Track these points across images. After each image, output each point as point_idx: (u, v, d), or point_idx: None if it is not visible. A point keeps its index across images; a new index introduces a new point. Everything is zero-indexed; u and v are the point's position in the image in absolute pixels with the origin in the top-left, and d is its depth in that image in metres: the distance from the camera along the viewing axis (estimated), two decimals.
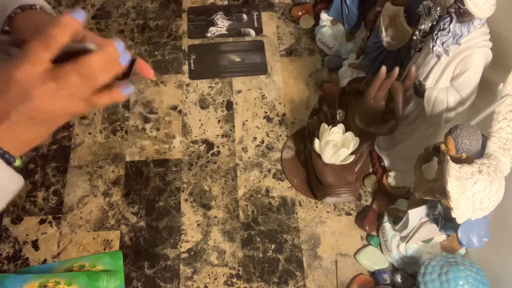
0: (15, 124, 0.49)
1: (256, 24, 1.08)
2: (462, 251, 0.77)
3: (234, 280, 0.79)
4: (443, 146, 0.59)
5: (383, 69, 0.71)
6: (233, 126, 0.94)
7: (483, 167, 0.56)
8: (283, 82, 1.00)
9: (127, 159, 0.90)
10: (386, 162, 0.87)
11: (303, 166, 0.89)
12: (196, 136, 0.93)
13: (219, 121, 0.95)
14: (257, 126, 0.94)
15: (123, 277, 0.78)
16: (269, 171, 0.89)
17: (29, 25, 0.55)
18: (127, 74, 0.52)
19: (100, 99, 0.51)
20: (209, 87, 0.99)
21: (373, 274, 0.80)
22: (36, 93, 0.47)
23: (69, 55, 0.46)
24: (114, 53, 0.48)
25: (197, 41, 1.05)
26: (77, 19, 0.46)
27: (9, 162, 0.50)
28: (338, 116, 0.84)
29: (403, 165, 0.84)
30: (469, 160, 0.58)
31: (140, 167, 0.89)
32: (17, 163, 0.52)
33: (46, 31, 0.46)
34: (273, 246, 0.82)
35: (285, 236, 0.83)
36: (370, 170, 0.90)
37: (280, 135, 0.93)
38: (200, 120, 0.95)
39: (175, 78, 1.00)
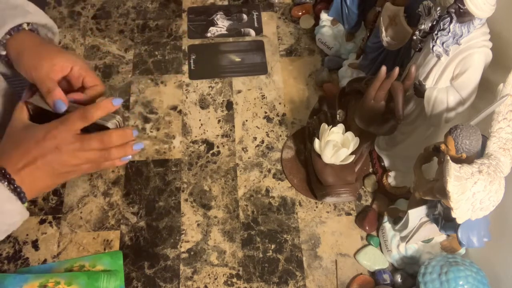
0: (37, 170, 0.60)
1: (256, 24, 1.08)
2: (462, 251, 0.77)
3: (234, 280, 0.79)
4: (443, 146, 0.59)
5: (383, 69, 0.71)
6: (233, 126, 0.94)
7: (483, 167, 0.56)
8: (283, 82, 1.00)
9: None
10: (386, 162, 0.87)
11: (303, 166, 0.89)
12: (196, 136, 0.93)
13: (219, 121, 0.95)
14: (257, 126, 0.94)
15: (123, 277, 0.78)
16: (269, 171, 0.89)
17: (20, 50, 0.65)
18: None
19: (108, 163, 0.64)
20: (209, 87, 0.99)
21: (373, 274, 0.80)
22: (64, 149, 0.59)
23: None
24: (130, 136, 0.64)
25: (197, 41, 1.05)
26: (114, 104, 0.62)
27: (21, 201, 0.60)
28: (338, 116, 0.84)
29: (403, 165, 0.84)
30: (469, 160, 0.58)
31: (140, 167, 0.89)
32: (25, 205, 0.61)
33: (87, 109, 0.60)
34: (273, 246, 0.82)
35: (285, 236, 0.83)
36: (370, 170, 0.90)
37: (280, 135, 0.93)
38: (200, 120, 0.95)
39: (175, 78, 1.00)
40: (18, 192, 0.59)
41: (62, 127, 0.59)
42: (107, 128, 0.62)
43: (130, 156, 0.66)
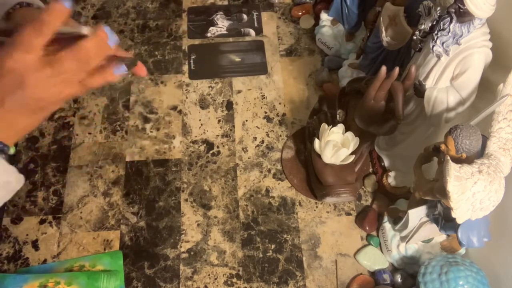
0: (8, 112, 0.48)
1: (256, 24, 1.08)
2: (462, 251, 0.77)
3: (234, 280, 0.79)
4: (443, 146, 0.59)
5: (383, 69, 0.71)
6: (233, 126, 0.94)
7: (483, 167, 0.56)
8: (283, 82, 1.00)
9: (127, 159, 0.90)
10: (386, 162, 0.87)
11: (303, 166, 0.89)
12: (196, 136, 0.93)
13: (219, 121, 0.95)
14: (257, 126, 0.94)
15: (123, 277, 0.78)
16: (269, 171, 0.89)
17: (26, 19, 0.54)
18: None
19: (94, 80, 0.50)
20: (209, 87, 0.99)
21: (373, 274, 0.80)
22: (31, 80, 0.46)
23: (59, 42, 0.46)
24: (105, 37, 0.48)
25: (197, 41, 1.05)
26: (65, 6, 0.46)
27: (3, 151, 0.50)
28: (338, 116, 0.84)
29: (403, 165, 0.84)
30: (469, 160, 0.58)
31: (140, 167, 0.89)
32: (11, 150, 0.51)
33: (38, 18, 0.45)
34: (273, 246, 0.82)
35: (285, 236, 0.83)
36: (370, 170, 0.90)
37: (280, 135, 0.93)
38: (200, 120, 0.95)
39: (175, 78, 1.00)
40: None
41: (17, 53, 0.46)
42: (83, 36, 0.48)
43: (124, 67, 0.52)
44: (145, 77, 0.61)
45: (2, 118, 0.48)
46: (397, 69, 0.70)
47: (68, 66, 0.47)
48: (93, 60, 0.48)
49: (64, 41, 0.47)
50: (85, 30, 0.48)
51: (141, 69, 0.55)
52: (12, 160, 0.52)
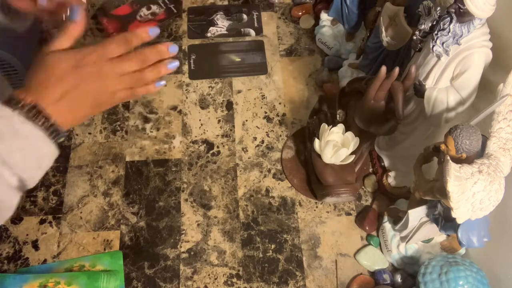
0: (78, 99, 0.57)
1: (256, 24, 1.08)
2: (462, 251, 0.77)
3: (234, 280, 0.79)
4: (443, 146, 0.59)
5: (383, 69, 0.71)
6: (233, 126, 0.94)
7: (483, 167, 0.56)
8: (283, 82, 1.00)
9: (127, 159, 0.90)
10: (386, 162, 0.87)
11: (303, 166, 0.89)
12: (196, 136, 0.93)
13: (219, 121, 0.95)
14: (257, 126, 0.94)
15: (123, 277, 0.78)
16: (269, 171, 0.89)
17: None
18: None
19: (140, 90, 0.63)
20: (209, 87, 0.99)
21: (373, 274, 0.80)
22: (105, 74, 0.57)
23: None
24: (165, 51, 0.64)
25: (197, 41, 1.05)
26: (150, 34, 0.64)
27: (55, 137, 0.56)
28: (338, 116, 0.84)
29: (403, 165, 0.84)
30: (469, 160, 0.58)
31: (140, 167, 0.89)
32: (61, 139, 0.57)
33: (126, 35, 0.60)
34: (273, 246, 0.82)
35: (285, 236, 0.83)
36: (370, 170, 0.90)
37: (280, 135, 0.93)
38: (200, 120, 0.95)
39: (175, 78, 1.00)
40: (53, 130, 0.55)
41: (102, 52, 0.57)
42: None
43: (164, 82, 0.65)
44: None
45: (69, 103, 0.56)
46: (397, 69, 0.70)
47: (132, 66, 0.59)
48: (148, 70, 0.62)
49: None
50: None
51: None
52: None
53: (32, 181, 0.57)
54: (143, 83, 0.62)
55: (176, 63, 0.64)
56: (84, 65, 0.57)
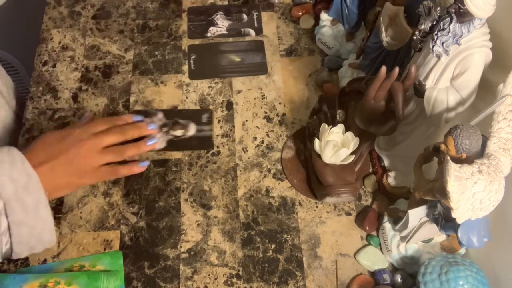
0: (57, 166, 0.63)
1: (256, 24, 1.08)
2: (462, 251, 0.77)
3: (234, 280, 0.79)
4: (443, 146, 0.59)
5: (383, 69, 0.71)
6: (233, 126, 0.94)
7: (483, 167, 0.56)
8: (283, 82, 1.00)
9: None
10: (386, 162, 0.87)
11: (303, 166, 0.89)
12: None
13: (219, 121, 0.95)
14: (257, 126, 0.94)
15: (123, 277, 0.78)
16: (269, 171, 0.89)
17: None
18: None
19: (125, 169, 0.72)
20: (209, 87, 0.99)
21: (373, 274, 0.80)
22: (87, 147, 0.64)
23: None
24: (144, 127, 0.74)
25: (197, 41, 1.05)
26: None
27: None
28: (338, 116, 0.84)
29: (403, 165, 0.84)
30: (469, 160, 0.58)
31: None
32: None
33: (115, 120, 0.72)
34: (273, 246, 0.82)
35: (285, 236, 0.83)
36: (370, 170, 0.90)
37: (280, 135, 0.93)
38: None
39: (175, 78, 1.00)
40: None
41: (84, 127, 0.67)
42: None
43: (147, 162, 0.72)
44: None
45: (50, 169, 0.63)
46: (397, 69, 0.70)
47: (112, 138, 0.67)
48: (130, 146, 0.71)
49: None
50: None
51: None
52: None
53: (16, 256, 0.64)
54: (125, 157, 0.69)
55: (154, 140, 0.72)
56: (67, 136, 0.64)
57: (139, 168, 0.72)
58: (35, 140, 0.66)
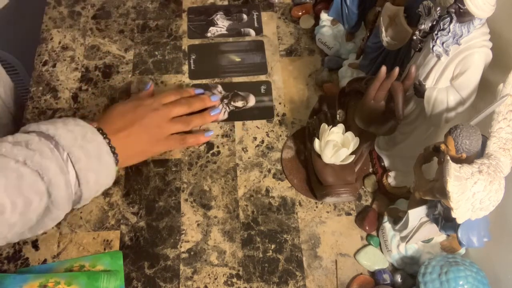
0: (132, 135, 0.68)
1: (256, 24, 1.08)
2: (462, 251, 0.77)
3: (234, 280, 0.79)
4: (443, 146, 0.59)
5: (383, 69, 0.71)
6: (233, 126, 0.94)
7: (483, 167, 0.56)
8: (283, 82, 1.00)
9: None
10: (386, 162, 0.87)
11: (303, 166, 0.89)
12: None
13: (218, 122, 0.95)
14: (257, 126, 0.94)
15: (123, 277, 0.78)
16: (269, 171, 0.89)
17: None
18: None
19: (192, 139, 0.83)
20: None
21: (373, 274, 0.80)
22: (154, 114, 0.71)
23: None
24: (208, 100, 0.86)
25: (197, 41, 1.05)
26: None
27: (115, 161, 0.67)
28: (338, 116, 0.84)
29: (403, 165, 0.84)
30: (469, 160, 0.58)
31: (140, 167, 0.89)
32: (116, 169, 0.70)
33: (182, 92, 0.83)
34: (273, 246, 0.82)
35: (285, 236, 0.83)
36: (370, 170, 0.90)
37: (280, 135, 0.93)
38: None
39: (175, 78, 1.00)
40: (112, 152, 0.65)
41: (155, 98, 0.75)
42: None
43: (212, 132, 0.80)
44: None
45: (125, 137, 0.68)
46: (397, 69, 0.70)
47: (181, 109, 0.78)
48: (195, 117, 0.81)
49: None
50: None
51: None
52: None
53: (84, 202, 0.68)
54: (192, 127, 0.77)
55: (218, 110, 0.80)
56: (140, 106, 0.70)
57: (205, 137, 0.79)
58: (108, 110, 0.69)
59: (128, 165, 0.81)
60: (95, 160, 0.64)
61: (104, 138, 0.65)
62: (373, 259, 0.80)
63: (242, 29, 1.07)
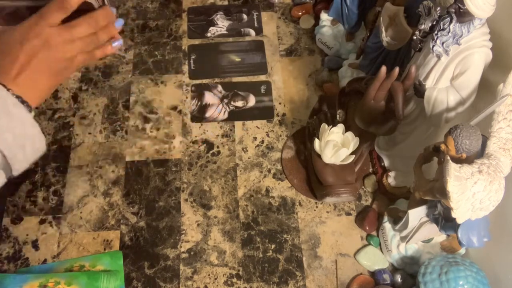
0: (34, 72, 0.58)
1: (256, 24, 1.08)
2: (462, 251, 0.77)
3: (234, 280, 0.79)
4: (443, 146, 0.59)
5: (383, 69, 0.71)
6: (233, 126, 0.94)
7: (483, 167, 0.56)
8: (283, 82, 1.00)
9: (127, 159, 0.90)
10: (386, 162, 0.87)
11: (303, 166, 0.89)
12: (196, 136, 0.93)
13: (218, 122, 0.95)
14: (257, 126, 0.94)
15: (123, 277, 0.78)
16: (269, 171, 0.89)
17: None
18: None
19: (98, 51, 0.63)
20: None
21: (373, 274, 0.80)
22: (53, 43, 0.57)
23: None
24: (111, 12, 0.63)
25: (197, 41, 1.05)
26: None
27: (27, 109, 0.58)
28: (338, 116, 0.84)
29: (403, 165, 0.84)
30: (469, 160, 0.58)
31: (140, 167, 0.89)
32: (32, 113, 0.60)
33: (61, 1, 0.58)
34: (273, 246, 0.82)
35: (285, 236, 0.83)
36: (370, 170, 0.90)
37: (280, 135, 0.93)
38: None
39: (175, 78, 1.00)
40: (20, 102, 0.57)
41: (43, 22, 0.57)
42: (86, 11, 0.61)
43: (120, 40, 0.65)
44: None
45: (29, 77, 0.58)
46: (397, 69, 0.70)
47: (82, 30, 0.59)
48: (101, 33, 0.61)
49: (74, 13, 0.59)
50: (95, 4, 0.61)
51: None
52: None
53: (19, 164, 0.58)
54: (97, 44, 0.62)
55: (121, 22, 0.64)
56: (30, 39, 0.57)
57: (112, 48, 0.66)
58: None
59: (44, 100, 0.71)
60: (4, 117, 0.56)
61: (8, 90, 0.56)
62: (373, 259, 0.80)
63: (242, 29, 1.07)
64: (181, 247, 0.82)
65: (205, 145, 0.92)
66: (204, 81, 0.99)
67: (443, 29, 0.63)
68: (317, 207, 0.86)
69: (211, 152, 0.91)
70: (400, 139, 0.82)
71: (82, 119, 0.94)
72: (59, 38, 0.58)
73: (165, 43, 1.04)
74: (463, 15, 0.60)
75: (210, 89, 0.95)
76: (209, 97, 0.96)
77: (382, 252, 0.81)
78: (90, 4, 0.61)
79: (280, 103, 0.97)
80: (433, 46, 0.65)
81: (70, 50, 0.60)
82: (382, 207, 0.85)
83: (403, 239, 0.77)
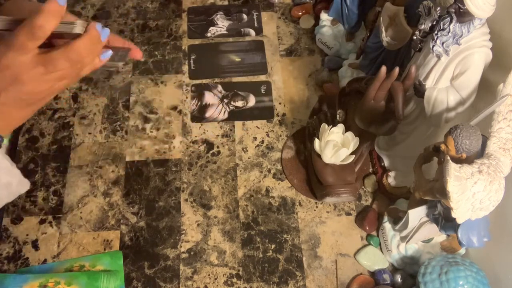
0: (3, 105, 0.50)
1: (256, 24, 1.08)
2: (462, 251, 0.77)
3: (234, 280, 0.79)
4: (443, 146, 0.59)
5: (383, 69, 0.70)
6: (233, 126, 0.94)
7: (483, 167, 0.56)
8: (283, 82, 1.00)
9: (127, 159, 0.90)
10: (386, 162, 0.87)
11: (303, 166, 0.89)
12: (196, 136, 0.93)
13: (218, 122, 0.95)
14: (257, 126, 0.94)
15: (123, 277, 0.78)
16: (269, 171, 0.89)
17: (13, 13, 0.54)
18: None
19: (84, 70, 0.52)
20: None
21: (373, 274, 0.80)
22: (25, 77, 0.48)
23: (54, 35, 0.47)
24: (97, 34, 0.49)
25: (197, 41, 1.05)
26: (60, 4, 0.46)
27: None
28: (338, 116, 0.84)
29: (403, 165, 0.84)
30: (469, 160, 0.58)
31: (140, 167, 0.89)
32: (5, 141, 0.53)
33: (32, 21, 0.45)
34: (273, 246, 0.82)
35: (285, 236, 0.83)
36: (370, 170, 0.90)
37: (280, 135, 0.93)
38: None
39: (175, 78, 1.00)
40: None
41: (12, 54, 0.47)
42: (73, 35, 0.49)
43: (110, 51, 0.54)
44: (141, 60, 0.67)
45: (4, 107, 0.49)
46: (397, 69, 0.70)
47: (60, 65, 0.48)
48: (87, 59, 0.50)
49: (58, 35, 0.49)
50: (78, 29, 0.49)
51: (136, 52, 0.56)
52: (12, 156, 0.55)
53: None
54: (82, 69, 0.52)
55: (106, 32, 0.52)
56: (8, 67, 0.48)
57: (101, 61, 0.55)
58: None
59: (17, 127, 0.65)
60: None
61: None
62: (373, 259, 0.80)
63: (242, 29, 1.07)
64: (181, 247, 0.82)
65: (205, 145, 0.92)
66: (204, 81, 0.99)
67: (443, 29, 0.63)
68: (317, 207, 0.86)
69: (211, 152, 0.91)
70: (400, 139, 0.82)
71: (82, 119, 0.94)
72: (32, 72, 0.49)
73: (165, 43, 1.04)
74: (463, 15, 0.60)
75: (210, 89, 0.96)
76: (209, 97, 0.97)
77: (382, 252, 0.81)
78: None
79: (280, 103, 0.97)
80: (433, 46, 0.65)
81: (45, 82, 0.50)
82: (382, 207, 0.85)
83: (403, 239, 0.77)
